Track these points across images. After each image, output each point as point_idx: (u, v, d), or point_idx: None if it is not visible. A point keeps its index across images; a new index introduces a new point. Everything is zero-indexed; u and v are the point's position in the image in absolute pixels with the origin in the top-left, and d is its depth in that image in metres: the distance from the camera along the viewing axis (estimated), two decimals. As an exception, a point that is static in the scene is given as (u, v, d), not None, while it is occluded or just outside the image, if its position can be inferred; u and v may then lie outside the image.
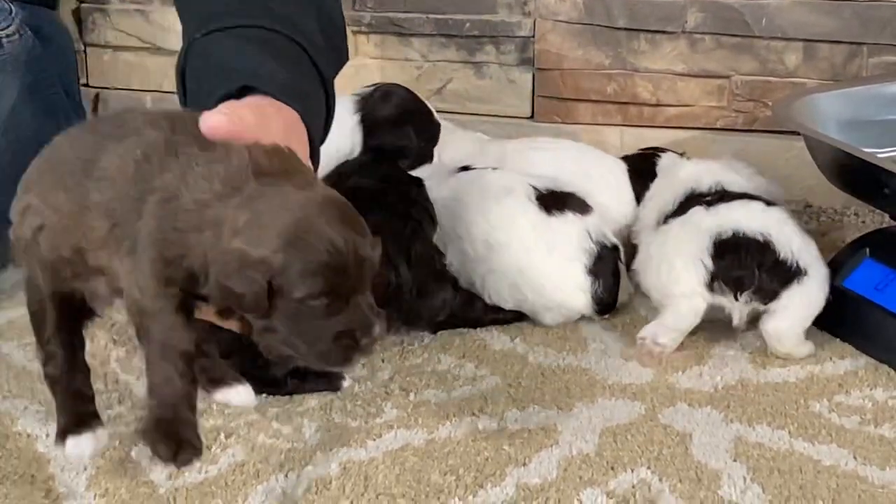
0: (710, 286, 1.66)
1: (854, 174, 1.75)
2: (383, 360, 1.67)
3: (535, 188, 1.81)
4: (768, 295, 1.66)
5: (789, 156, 2.07)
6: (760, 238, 1.66)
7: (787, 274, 1.66)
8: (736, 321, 1.68)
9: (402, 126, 1.98)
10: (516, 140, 2.09)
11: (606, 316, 1.80)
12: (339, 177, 1.80)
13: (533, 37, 2.30)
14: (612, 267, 1.79)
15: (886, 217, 1.94)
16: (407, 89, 2.03)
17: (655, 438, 1.47)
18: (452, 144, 2.06)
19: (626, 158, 2.06)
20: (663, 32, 2.24)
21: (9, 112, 1.83)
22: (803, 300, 1.67)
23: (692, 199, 1.80)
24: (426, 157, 2.00)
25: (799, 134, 1.85)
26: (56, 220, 1.23)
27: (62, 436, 1.31)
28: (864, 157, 1.71)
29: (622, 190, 1.99)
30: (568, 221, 1.78)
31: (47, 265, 1.25)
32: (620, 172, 2.01)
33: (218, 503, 1.33)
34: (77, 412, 1.31)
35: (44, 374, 1.32)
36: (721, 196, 1.78)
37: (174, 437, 1.15)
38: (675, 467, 1.41)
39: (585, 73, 2.29)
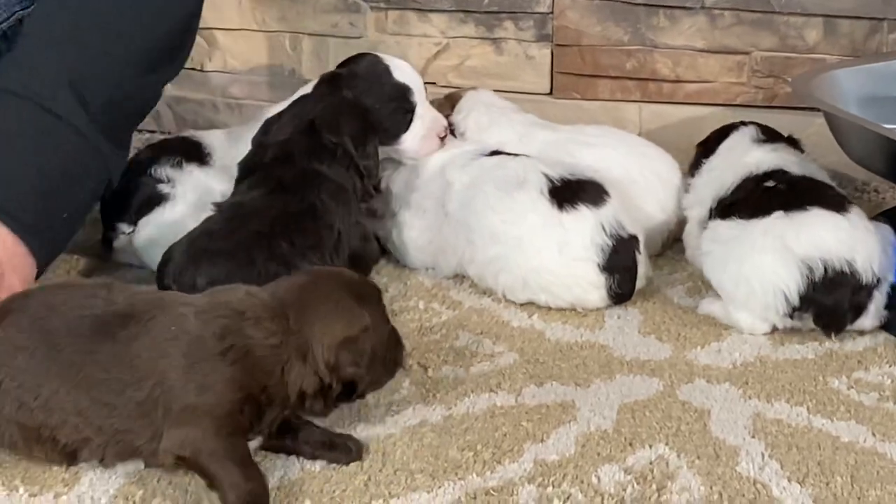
0: (791, 316, 1.65)
1: (874, 150, 1.74)
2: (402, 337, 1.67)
3: (548, 179, 1.77)
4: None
5: (809, 132, 2.05)
6: (848, 270, 1.61)
7: (869, 295, 1.64)
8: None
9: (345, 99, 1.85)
10: (566, 129, 2.03)
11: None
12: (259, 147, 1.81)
13: (552, 13, 2.29)
14: (629, 259, 1.75)
15: (907, 193, 1.94)
16: (373, 56, 1.92)
17: (673, 415, 1.47)
18: (498, 128, 2.00)
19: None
20: (682, 8, 2.23)
21: None
22: (878, 306, 1.66)
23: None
24: (395, 131, 1.89)
25: (818, 110, 1.84)
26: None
27: None
28: (884, 132, 1.70)
29: (667, 196, 1.92)
30: (580, 217, 1.73)
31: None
32: (669, 176, 1.94)
33: (237, 478, 1.34)
34: None
35: None
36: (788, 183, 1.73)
37: None
38: (693, 443, 1.41)
39: (604, 49, 2.28)
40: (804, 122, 2.11)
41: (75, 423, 1.30)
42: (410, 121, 1.89)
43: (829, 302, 1.62)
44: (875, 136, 1.70)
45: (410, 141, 1.90)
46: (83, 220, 1.70)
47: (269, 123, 1.81)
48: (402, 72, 1.91)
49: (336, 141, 1.76)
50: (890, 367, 1.59)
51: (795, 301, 1.62)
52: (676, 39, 2.25)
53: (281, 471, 1.35)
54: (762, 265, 1.64)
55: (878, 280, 1.63)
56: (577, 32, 2.28)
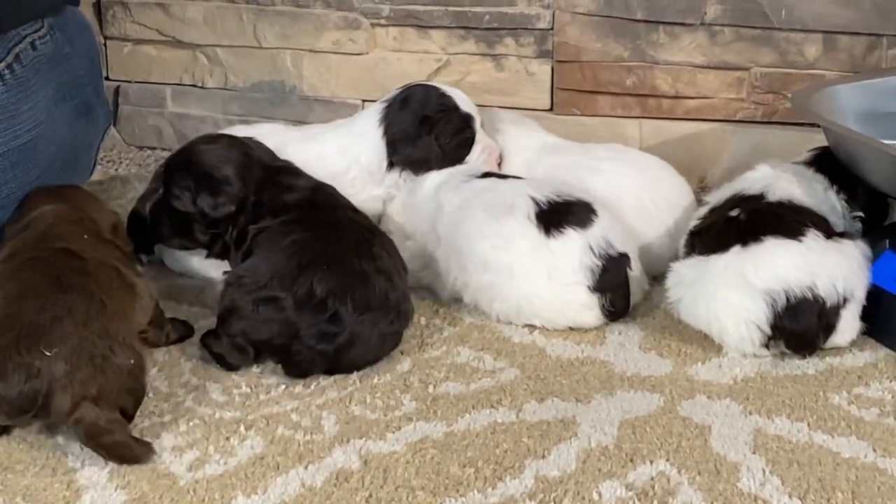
0: (766, 346, 1.65)
1: (873, 165, 1.75)
2: (402, 353, 1.67)
3: (536, 203, 1.76)
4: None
5: (808, 148, 2.06)
6: (811, 295, 1.62)
7: (837, 314, 1.64)
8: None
9: (421, 137, 1.92)
10: (577, 150, 2.02)
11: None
12: None
13: (552, 29, 2.29)
14: (620, 277, 1.74)
15: (906, 209, 1.94)
16: (431, 88, 1.97)
17: (674, 430, 1.47)
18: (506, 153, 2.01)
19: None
20: (682, 24, 2.23)
21: (46, 113, 1.86)
22: (850, 322, 1.66)
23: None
24: (457, 159, 1.94)
25: (818, 126, 1.84)
26: None
27: None
28: (884, 148, 1.71)
29: (678, 222, 1.90)
30: (567, 241, 1.73)
31: None
32: (681, 201, 1.94)
33: (237, 495, 1.34)
34: None
35: None
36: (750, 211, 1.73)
37: None
38: (694, 459, 1.41)
39: (604, 65, 2.29)
40: (804, 137, 2.12)
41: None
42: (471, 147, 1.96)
43: (798, 328, 1.63)
44: (874, 151, 1.71)
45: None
46: None
47: None
48: (464, 102, 1.97)
49: None
50: (890, 382, 1.59)
51: (767, 331, 1.63)
52: (676, 55, 2.25)
53: (281, 487, 1.35)
54: (729, 301, 1.65)
55: (845, 299, 1.64)
56: (578, 49, 2.29)
